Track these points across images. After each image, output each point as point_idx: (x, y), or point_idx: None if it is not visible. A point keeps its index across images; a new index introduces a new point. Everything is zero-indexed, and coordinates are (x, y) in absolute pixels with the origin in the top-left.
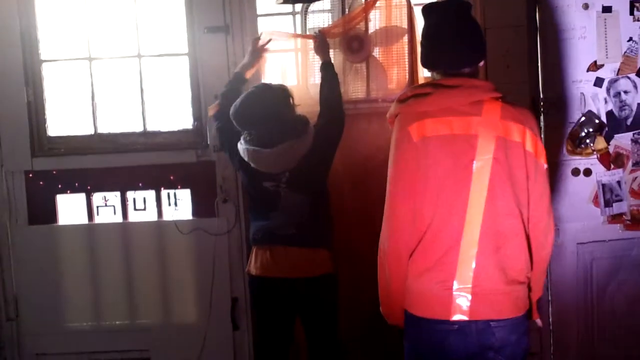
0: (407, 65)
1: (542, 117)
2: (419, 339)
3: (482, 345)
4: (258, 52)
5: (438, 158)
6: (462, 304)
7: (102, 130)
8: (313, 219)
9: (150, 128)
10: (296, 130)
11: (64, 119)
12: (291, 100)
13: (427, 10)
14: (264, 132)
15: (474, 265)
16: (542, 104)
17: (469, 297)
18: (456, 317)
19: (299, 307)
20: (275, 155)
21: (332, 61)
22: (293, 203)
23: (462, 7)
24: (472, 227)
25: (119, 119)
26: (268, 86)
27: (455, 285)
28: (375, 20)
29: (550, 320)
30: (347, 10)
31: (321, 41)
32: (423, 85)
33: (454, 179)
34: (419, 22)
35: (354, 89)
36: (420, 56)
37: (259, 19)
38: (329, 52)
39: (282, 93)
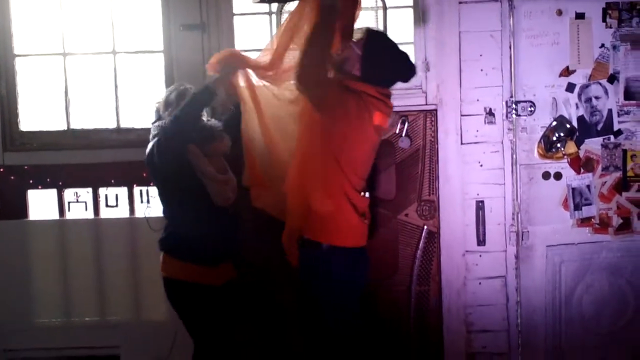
0: None
1: (514, 121)
2: (348, 264)
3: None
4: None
5: None
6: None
7: (75, 126)
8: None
9: (123, 125)
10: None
11: (36, 114)
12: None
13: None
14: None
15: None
16: (514, 107)
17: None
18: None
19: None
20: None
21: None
22: (173, 216)
23: None
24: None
25: (93, 115)
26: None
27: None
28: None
29: (519, 321)
30: None
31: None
32: None
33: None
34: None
35: None
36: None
37: (235, 17)
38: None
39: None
